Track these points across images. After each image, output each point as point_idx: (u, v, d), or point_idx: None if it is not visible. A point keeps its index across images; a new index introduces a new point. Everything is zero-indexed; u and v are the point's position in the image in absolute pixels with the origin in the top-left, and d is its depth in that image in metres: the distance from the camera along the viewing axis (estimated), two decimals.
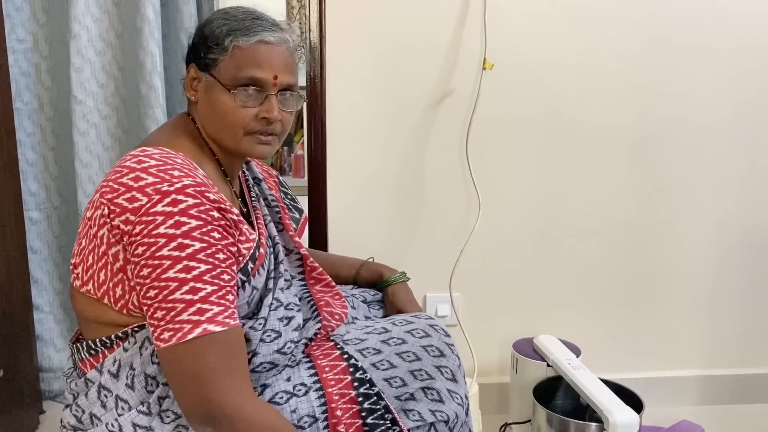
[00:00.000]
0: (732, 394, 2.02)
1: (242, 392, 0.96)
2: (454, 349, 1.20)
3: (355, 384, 1.09)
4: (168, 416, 1.01)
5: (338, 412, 1.06)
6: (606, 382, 1.53)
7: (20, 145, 1.76)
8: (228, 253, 0.99)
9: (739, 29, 1.82)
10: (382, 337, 1.18)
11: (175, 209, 0.94)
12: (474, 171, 1.75)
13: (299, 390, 1.06)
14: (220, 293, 0.95)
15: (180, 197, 0.95)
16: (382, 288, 1.43)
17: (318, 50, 1.70)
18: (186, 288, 0.93)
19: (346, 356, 1.12)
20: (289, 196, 1.36)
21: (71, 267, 1.05)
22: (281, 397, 1.05)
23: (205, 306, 0.93)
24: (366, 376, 1.10)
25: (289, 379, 1.08)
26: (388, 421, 1.09)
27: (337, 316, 1.19)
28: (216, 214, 0.98)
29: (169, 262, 0.93)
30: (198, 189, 0.96)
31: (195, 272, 0.93)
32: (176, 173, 0.97)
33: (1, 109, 1.60)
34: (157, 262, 0.93)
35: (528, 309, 1.92)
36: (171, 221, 0.93)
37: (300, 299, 1.19)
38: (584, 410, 1.59)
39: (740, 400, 2.02)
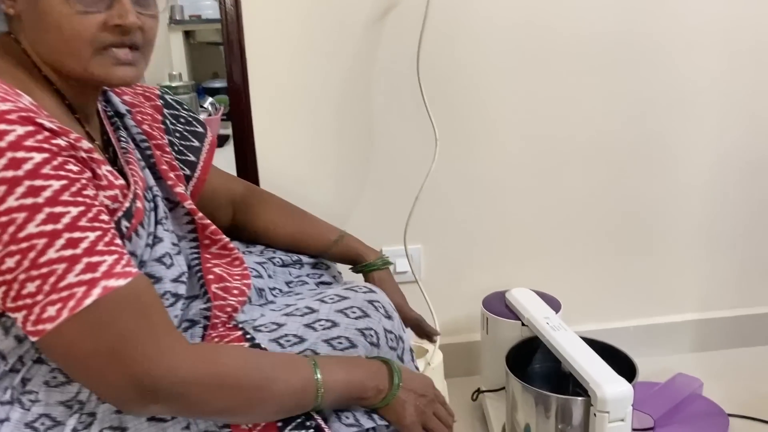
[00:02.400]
0: (731, 338, 1.80)
1: (173, 350, 0.72)
2: (390, 337, 0.95)
3: None
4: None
5: (244, 426, 0.81)
6: (591, 342, 1.29)
7: None
8: (95, 189, 0.73)
9: None
10: (307, 319, 0.91)
11: (3, 143, 0.65)
12: (428, 100, 1.45)
13: None
14: (106, 239, 0.70)
15: (1, 127, 0.65)
16: (363, 272, 1.17)
17: None
18: (61, 241, 0.66)
19: None
20: (182, 120, 1.05)
21: None
22: None
23: (95, 258, 0.68)
24: None
25: None
26: (311, 430, 0.84)
27: (235, 291, 0.93)
28: (62, 142, 0.70)
29: (23, 215, 0.65)
30: (23, 114, 0.67)
31: (65, 219, 0.67)
32: None
33: None
34: (5, 218, 0.65)
35: (500, 259, 1.67)
36: (1, 161, 0.65)
37: (189, 267, 0.92)
38: (568, 375, 1.36)
39: (740, 343, 1.80)
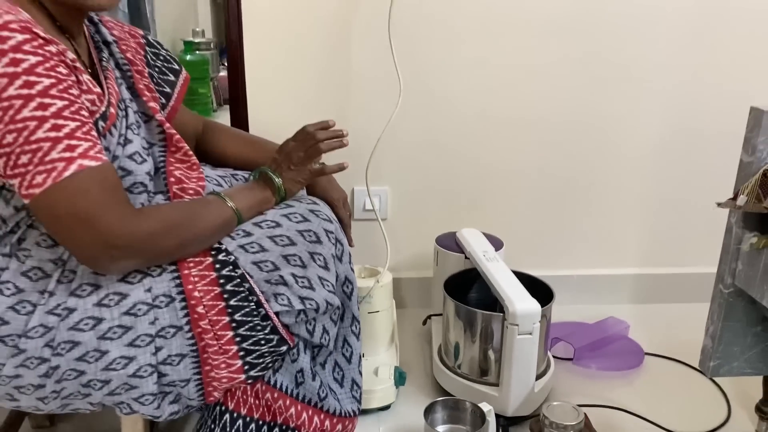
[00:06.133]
0: (663, 293, 1.99)
1: (131, 215, 0.95)
2: (331, 236, 1.15)
3: (217, 266, 1.05)
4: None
5: (196, 293, 1.03)
6: (520, 275, 1.50)
7: None
8: (79, 90, 0.94)
9: None
10: (254, 219, 1.13)
11: (5, 46, 0.86)
12: (397, 55, 1.65)
13: (153, 270, 1.03)
14: (84, 129, 0.91)
15: (4, 33, 0.86)
16: None
17: None
18: (47, 126, 0.87)
19: None
20: (161, 58, 1.26)
21: None
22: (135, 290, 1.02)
23: (74, 142, 0.89)
24: (230, 258, 1.06)
25: None
26: (252, 303, 1.06)
27: (191, 191, 1.14)
28: (53, 48, 0.90)
29: (20, 102, 0.86)
30: (23, 24, 0.88)
31: (52, 109, 0.88)
32: None
33: None
34: (6, 104, 0.86)
35: (455, 204, 1.87)
36: (4, 59, 0.85)
37: (156, 170, 1.14)
38: (497, 303, 1.56)
39: (672, 299, 1.99)
